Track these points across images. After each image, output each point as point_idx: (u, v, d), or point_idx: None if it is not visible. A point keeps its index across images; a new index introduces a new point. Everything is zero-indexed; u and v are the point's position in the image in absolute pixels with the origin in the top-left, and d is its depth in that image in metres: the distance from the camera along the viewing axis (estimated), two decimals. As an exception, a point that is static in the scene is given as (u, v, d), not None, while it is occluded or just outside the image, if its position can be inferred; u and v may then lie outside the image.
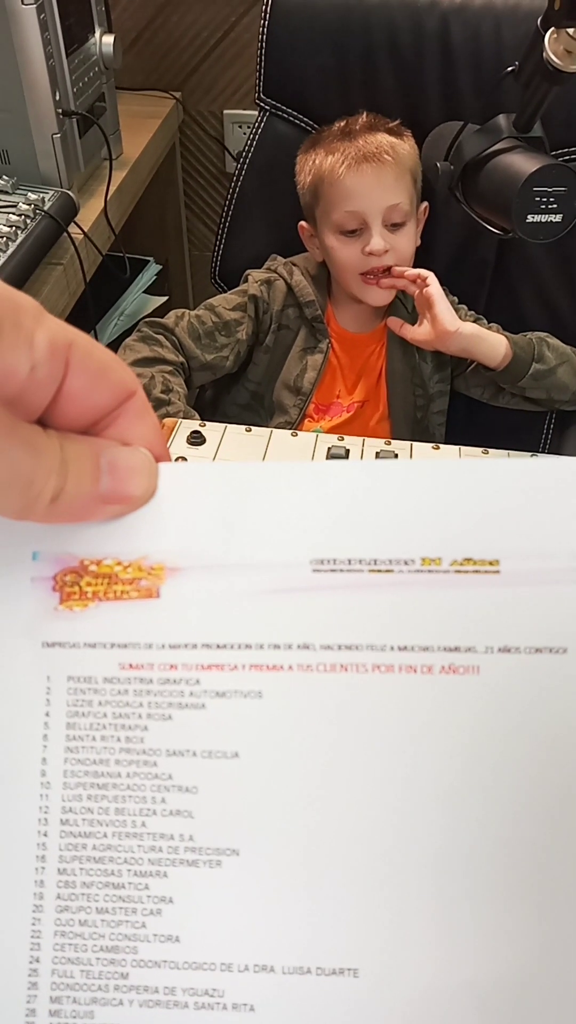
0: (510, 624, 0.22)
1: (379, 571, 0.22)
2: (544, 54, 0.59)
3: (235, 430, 0.74)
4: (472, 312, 0.96)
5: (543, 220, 0.62)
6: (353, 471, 0.23)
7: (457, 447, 0.72)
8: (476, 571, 0.22)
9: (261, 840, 0.22)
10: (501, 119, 0.66)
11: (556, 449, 0.95)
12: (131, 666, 0.22)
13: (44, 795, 0.22)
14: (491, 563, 0.22)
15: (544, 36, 0.58)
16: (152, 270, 1.18)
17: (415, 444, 0.72)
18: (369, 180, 0.85)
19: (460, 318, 0.87)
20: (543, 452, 0.99)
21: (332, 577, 0.22)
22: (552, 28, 0.57)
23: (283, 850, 0.22)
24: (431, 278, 0.85)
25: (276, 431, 0.73)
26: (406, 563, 0.22)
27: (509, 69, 0.63)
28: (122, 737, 0.22)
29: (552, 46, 0.58)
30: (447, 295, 0.91)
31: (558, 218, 0.62)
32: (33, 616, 0.22)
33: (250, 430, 0.74)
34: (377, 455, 0.71)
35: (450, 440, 0.99)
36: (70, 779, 0.22)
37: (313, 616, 0.22)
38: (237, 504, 0.22)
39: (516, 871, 0.21)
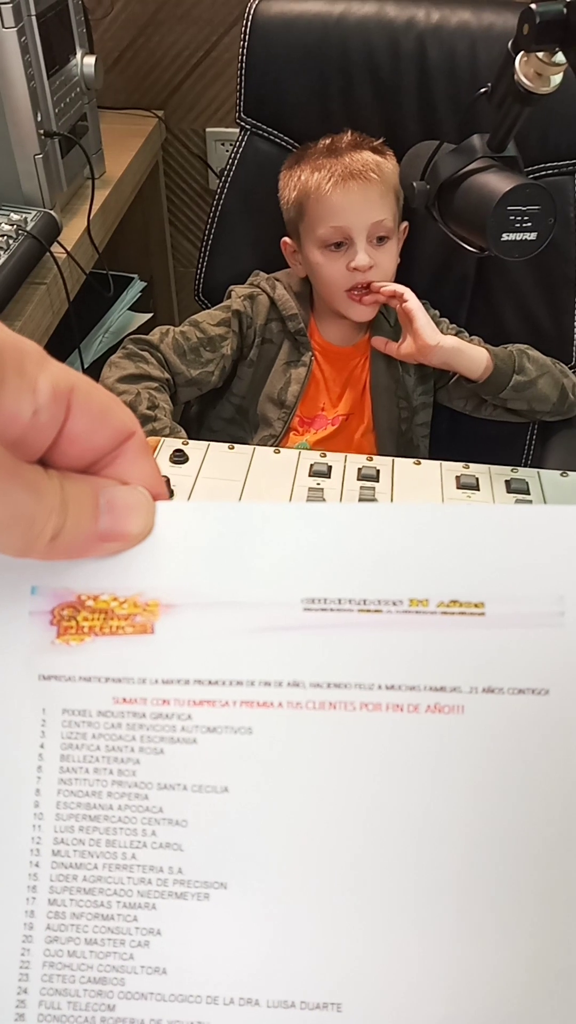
0: (494, 665, 0.22)
1: (368, 611, 0.23)
2: (515, 76, 0.60)
3: (218, 447, 0.74)
4: (454, 326, 0.97)
5: (518, 238, 0.63)
6: (345, 513, 0.23)
7: (439, 462, 0.72)
8: (462, 613, 0.22)
9: (248, 874, 0.22)
10: (475, 139, 0.67)
11: (539, 460, 0.96)
12: (125, 700, 0.23)
13: (37, 826, 0.23)
14: (476, 605, 0.22)
15: (515, 59, 0.60)
16: (137, 287, 1.19)
17: (396, 460, 0.72)
18: (355, 197, 0.86)
19: (442, 331, 0.89)
20: (526, 463, 1.00)
21: (322, 616, 0.23)
22: (522, 52, 0.59)
23: (270, 884, 0.22)
24: (407, 293, 0.86)
25: (259, 448, 0.74)
26: (394, 604, 0.22)
27: (482, 90, 0.64)
28: (114, 770, 0.23)
29: (523, 69, 0.59)
30: (429, 309, 0.92)
31: (533, 236, 0.63)
32: (31, 649, 0.23)
33: (233, 447, 0.74)
34: (359, 471, 0.71)
35: (434, 451, 1.00)
36: (63, 810, 0.23)
37: (303, 654, 0.23)
38: (231, 543, 0.23)
39: (499, 907, 0.22)
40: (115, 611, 0.23)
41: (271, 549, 0.23)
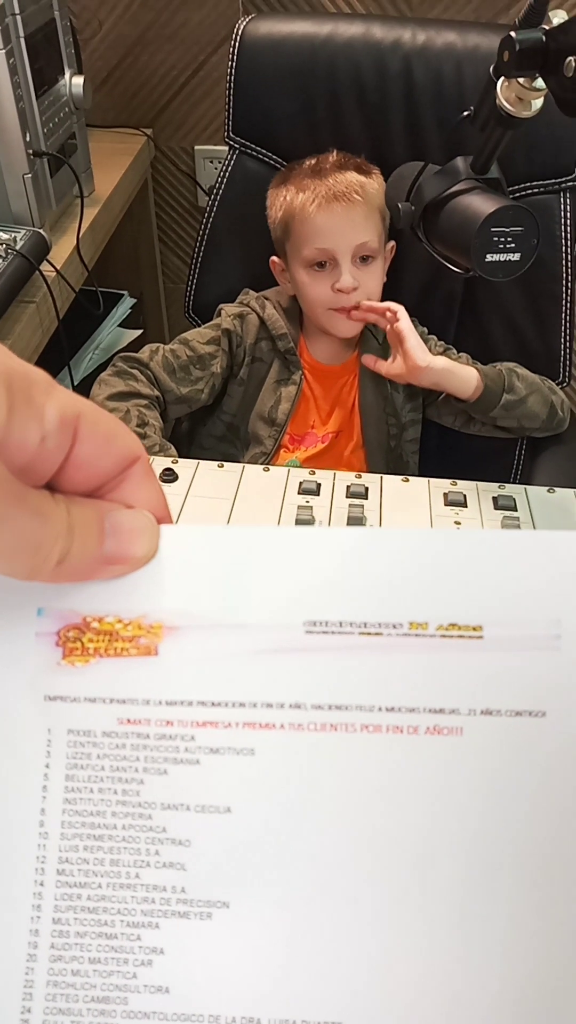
0: (492, 688, 0.23)
1: (369, 634, 0.23)
2: (497, 101, 0.61)
3: (207, 466, 0.74)
4: (442, 343, 0.98)
5: (502, 259, 0.63)
6: (347, 537, 0.24)
7: (427, 479, 0.73)
8: (460, 636, 0.23)
9: (250, 893, 0.22)
10: (459, 161, 0.67)
11: (528, 475, 0.96)
12: (129, 721, 0.23)
13: (42, 845, 0.23)
14: (475, 628, 0.23)
15: (496, 84, 0.60)
16: (127, 304, 1.19)
17: (385, 477, 0.73)
18: (339, 219, 0.87)
19: (430, 349, 0.89)
20: (515, 479, 1.00)
21: (324, 639, 0.23)
22: (503, 77, 0.59)
23: (271, 903, 0.22)
24: (401, 312, 0.86)
25: (248, 466, 0.74)
26: (395, 626, 0.23)
27: (464, 113, 0.65)
28: (119, 790, 0.23)
29: (504, 93, 0.60)
30: (417, 327, 0.93)
31: (516, 257, 0.64)
32: (36, 670, 0.23)
33: (222, 466, 0.74)
34: (348, 489, 0.72)
35: (424, 467, 1.01)
36: (67, 830, 0.23)
37: (305, 676, 0.23)
38: (235, 566, 0.23)
39: (499, 926, 0.22)
40: (120, 633, 0.23)
41: (274, 572, 0.23)
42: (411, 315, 0.89)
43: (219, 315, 0.97)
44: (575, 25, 0.53)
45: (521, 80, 0.58)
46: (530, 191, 0.93)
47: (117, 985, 0.22)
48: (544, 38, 0.55)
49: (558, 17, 0.56)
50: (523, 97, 0.60)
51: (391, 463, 0.97)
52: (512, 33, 0.56)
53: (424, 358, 0.85)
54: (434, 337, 0.97)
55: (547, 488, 0.73)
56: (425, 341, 0.91)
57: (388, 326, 0.87)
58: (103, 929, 0.22)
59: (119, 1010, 0.22)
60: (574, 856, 0.22)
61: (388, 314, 0.87)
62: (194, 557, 0.23)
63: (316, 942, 0.22)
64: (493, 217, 0.62)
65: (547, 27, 0.55)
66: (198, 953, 0.22)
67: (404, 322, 0.86)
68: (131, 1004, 0.22)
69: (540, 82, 0.58)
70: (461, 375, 0.87)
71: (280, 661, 0.23)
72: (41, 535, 0.20)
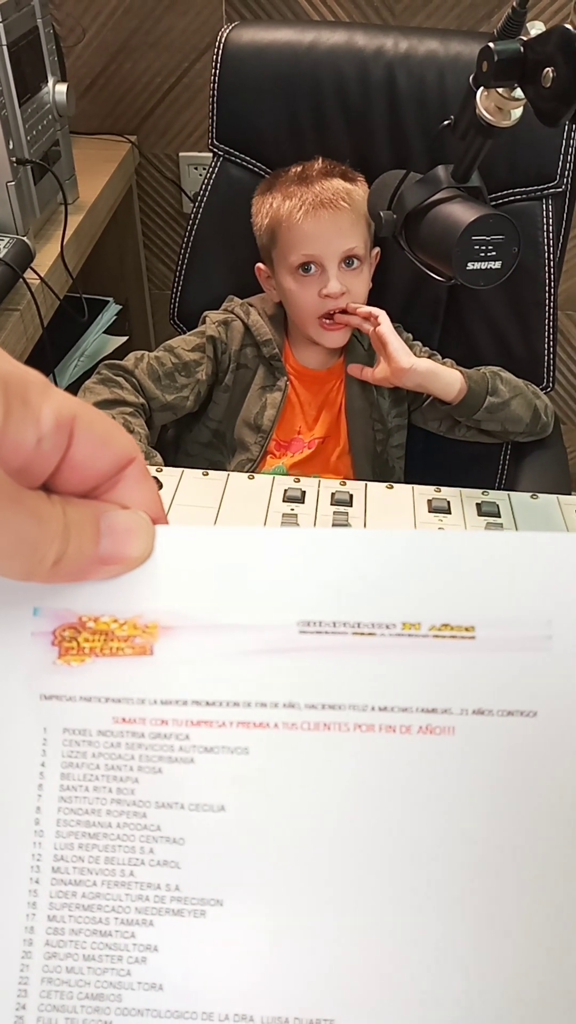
0: (484, 688, 0.23)
1: (362, 634, 0.23)
2: (477, 110, 0.61)
3: (192, 474, 0.74)
4: (427, 348, 0.98)
5: (483, 267, 0.64)
6: (341, 538, 0.24)
7: (411, 486, 0.73)
8: (453, 636, 0.23)
9: (244, 891, 0.23)
10: (440, 170, 0.68)
11: (512, 480, 0.97)
12: (124, 720, 0.23)
13: (37, 843, 0.23)
14: (467, 629, 0.23)
15: (476, 94, 0.61)
16: (112, 310, 1.19)
17: (369, 484, 0.73)
18: (326, 226, 0.87)
19: (415, 354, 0.90)
20: (500, 484, 1.01)
21: (318, 639, 0.23)
22: (482, 87, 0.60)
23: (265, 901, 0.23)
24: (382, 316, 0.87)
25: (233, 474, 0.74)
26: (388, 627, 0.23)
27: (445, 123, 0.65)
28: (114, 788, 0.23)
29: (484, 103, 0.61)
30: (402, 332, 0.93)
31: (497, 265, 0.64)
32: (32, 669, 0.23)
33: (207, 474, 0.74)
34: (332, 496, 0.72)
35: (409, 473, 1.01)
36: (63, 828, 0.23)
37: (299, 676, 0.23)
38: (229, 566, 0.24)
39: (491, 924, 0.23)
40: (115, 632, 0.23)
41: (268, 573, 0.23)
42: (396, 321, 0.90)
43: (204, 322, 0.97)
44: (552, 36, 0.53)
45: (500, 90, 0.59)
46: (512, 198, 0.93)
47: (111, 982, 0.22)
48: (522, 49, 0.55)
49: (536, 28, 0.57)
50: (502, 107, 0.60)
51: (377, 468, 0.97)
52: (491, 44, 0.56)
53: (407, 360, 0.85)
54: (419, 343, 0.98)
55: (530, 494, 0.73)
56: (410, 347, 0.92)
57: (371, 329, 0.88)
58: (97, 926, 0.23)
59: (113, 1007, 0.22)
60: (567, 853, 0.22)
61: (370, 318, 0.87)
62: (189, 558, 0.24)
63: (309, 940, 0.22)
64: (474, 226, 0.62)
65: (525, 38, 0.56)
66: (192, 950, 0.22)
67: (385, 325, 0.86)
68: (125, 1001, 0.22)
69: (519, 92, 0.58)
70: (445, 377, 0.88)
71: (274, 661, 0.23)
72: (37, 536, 0.21)
